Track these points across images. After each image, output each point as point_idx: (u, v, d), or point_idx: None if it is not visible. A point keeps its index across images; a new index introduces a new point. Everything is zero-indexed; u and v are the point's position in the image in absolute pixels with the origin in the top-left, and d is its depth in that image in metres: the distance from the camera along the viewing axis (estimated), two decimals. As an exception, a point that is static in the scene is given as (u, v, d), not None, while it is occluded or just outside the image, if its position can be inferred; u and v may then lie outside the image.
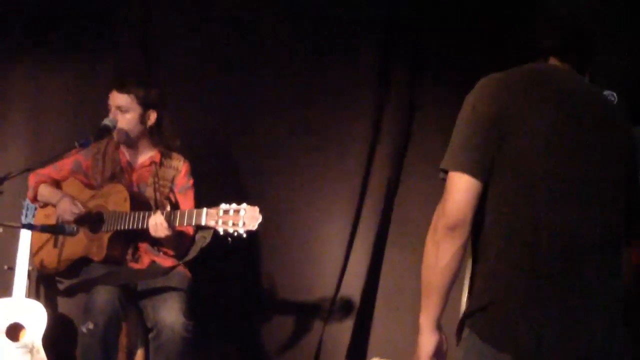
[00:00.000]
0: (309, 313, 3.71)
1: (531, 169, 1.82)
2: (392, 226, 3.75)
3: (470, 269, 1.92)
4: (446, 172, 1.85)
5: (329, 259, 3.76)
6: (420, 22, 3.78)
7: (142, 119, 3.15)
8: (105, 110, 3.19)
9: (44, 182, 3.23)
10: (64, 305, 3.46)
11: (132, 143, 3.19)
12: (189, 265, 3.14)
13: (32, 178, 3.23)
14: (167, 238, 2.93)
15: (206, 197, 3.12)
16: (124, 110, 3.11)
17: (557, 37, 1.99)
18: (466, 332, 1.86)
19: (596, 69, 2.81)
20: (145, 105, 3.14)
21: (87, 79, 3.67)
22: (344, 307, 3.69)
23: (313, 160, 3.78)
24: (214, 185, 3.56)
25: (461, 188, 1.81)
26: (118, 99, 3.13)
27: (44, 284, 3.25)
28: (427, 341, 1.86)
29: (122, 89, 3.13)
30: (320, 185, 3.77)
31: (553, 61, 1.98)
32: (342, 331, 3.69)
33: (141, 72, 3.59)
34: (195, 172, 3.30)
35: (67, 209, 3.11)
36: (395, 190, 3.74)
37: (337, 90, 3.79)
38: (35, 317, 3.10)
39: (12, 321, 3.09)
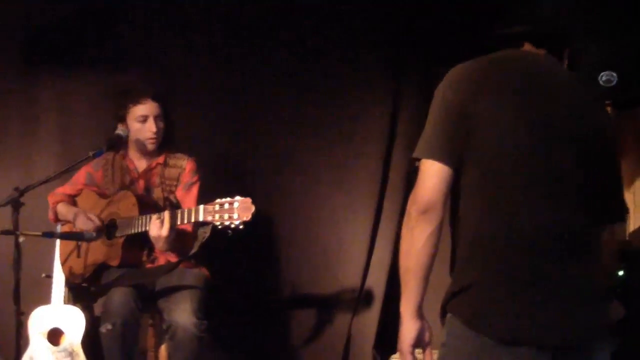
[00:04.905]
0: (336, 306, 3.71)
1: (497, 161, 1.80)
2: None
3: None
4: (419, 160, 1.87)
5: (353, 251, 3.75)
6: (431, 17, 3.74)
7: None
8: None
9: (61, 201, 3.32)
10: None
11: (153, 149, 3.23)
12: (205, 263, 3.18)
13: (50, 199, 3.34)
14: (168, 237, 2.91)
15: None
16: (160, 119, 3.16)
17: (530, 22, 1.97)
18: (448, 315, 1.85)
19: (594, 52, 2.76)
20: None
21: (108, 92, 3.71)
22: (370, 298, 3.68)
23: (333, 155, 3.79)
24: (231, 184, 3.57)
25: (431, 174, 1.84)
26: (155, 108, 3.15)
27: (74, 291, 3.35)
28: (408, 329, 1.85)
29: (156, 98, 3.15)
30: (341, 178, 3.78)
31: (528, 47, 1.96)
32: (369, 322, 3.68)
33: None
34: (211, 173, 3.32)
35: (83, 224, 3.16)
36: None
37: (353, 83, 3.80)
38: (73, 322, 3.19)
39: (52, 327, 3.19)
